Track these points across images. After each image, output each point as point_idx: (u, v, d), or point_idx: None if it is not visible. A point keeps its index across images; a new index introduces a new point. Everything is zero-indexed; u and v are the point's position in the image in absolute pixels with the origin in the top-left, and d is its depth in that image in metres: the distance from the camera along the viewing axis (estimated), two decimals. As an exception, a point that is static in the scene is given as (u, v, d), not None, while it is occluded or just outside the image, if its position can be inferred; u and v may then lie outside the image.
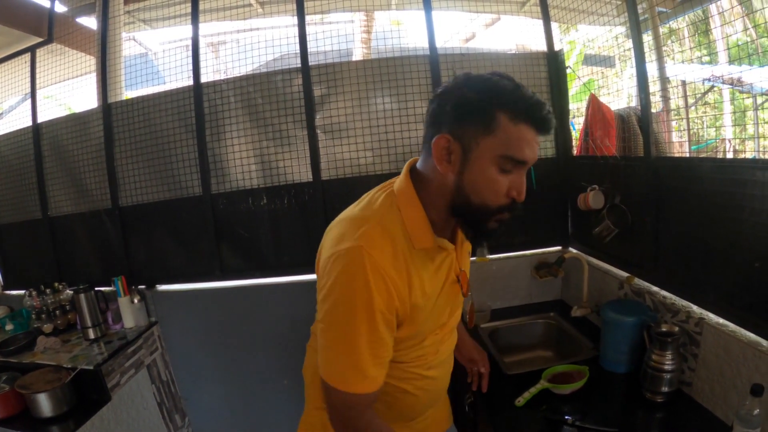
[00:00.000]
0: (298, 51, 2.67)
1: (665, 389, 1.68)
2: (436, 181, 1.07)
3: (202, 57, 2.76)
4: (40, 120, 3.07)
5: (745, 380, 1.47)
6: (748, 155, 2.49)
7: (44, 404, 2.22)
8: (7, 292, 3.37)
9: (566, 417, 1.63)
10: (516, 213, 1.04)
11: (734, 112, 3.69)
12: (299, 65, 2.66)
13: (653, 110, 2.14)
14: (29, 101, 3.13)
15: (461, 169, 1.00)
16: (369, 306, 0.98)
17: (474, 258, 2.66)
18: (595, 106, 2.44)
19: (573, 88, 2.72)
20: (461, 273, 1.18)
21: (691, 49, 2.79)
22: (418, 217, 1.06)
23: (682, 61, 2.84)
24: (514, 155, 0.95)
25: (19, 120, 3.19)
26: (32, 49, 3.13)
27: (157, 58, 3.21)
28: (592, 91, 2.51)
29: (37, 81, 3.12)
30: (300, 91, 2.66)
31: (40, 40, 3.13)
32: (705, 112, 3.62)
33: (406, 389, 1.25)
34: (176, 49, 2.96)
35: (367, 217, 1.08)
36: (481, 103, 0.96)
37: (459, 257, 1.20)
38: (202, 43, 2.81)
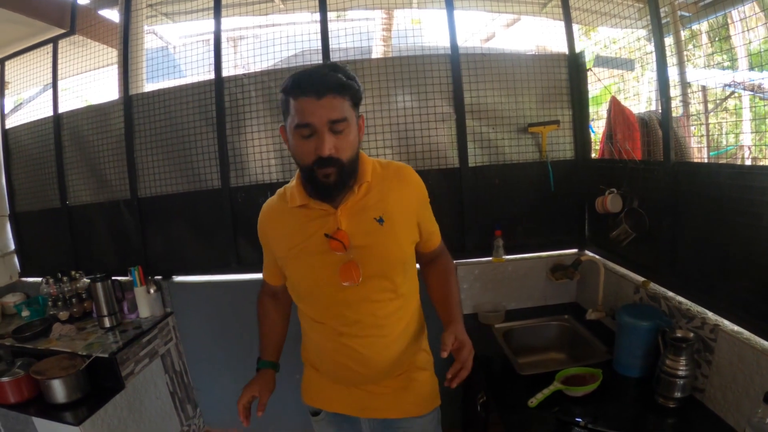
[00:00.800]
0: (320, 47, 2.68)
1: (678, 395, 1.67)
2: None
3: (223, 51, 2.79)
4: (60, 110, 3.11)
5: (758, 388, 1.46)
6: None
7: (58, 390, 2.26)
8: (25, 279, 3.42)
9: (578, 419, 1.63)
10: (337, 167, 1.29)
11: (754, 119, 3.67)
12: (320, 61, 2.66)
13: (674, 115, 2.12)
14: (49, 92, 3.18)
15: (289, 146, 1.35)
16: (260, 235, 1.58)
17: (490, 258, 2.68)
18: (617, 109, 2.43)
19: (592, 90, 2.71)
20: (337, 231, 1.40)
21: (712, 54, 2.77)
22: (294, 187, 1.46)
23: (703, 66, 2.82)
24: (299, 122, 1.25)
25: (40, 110, 3.24)
26: (54, 41, 3.18)
27: (177, 51, 3.24)
28: (613, 94, 2.50)
29: (59, 72, 3.17)
30: (320, 87, 2.66)
31: (62, 31, 3.17)
32: (724, 118, 3.60)
33: (333, 356, 1.53)
34: (196, 43, 2.99)
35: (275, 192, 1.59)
36: (282, 97, 1.31)
37: (340, 219, 1.42)
38: (223, 37, 2.83)
